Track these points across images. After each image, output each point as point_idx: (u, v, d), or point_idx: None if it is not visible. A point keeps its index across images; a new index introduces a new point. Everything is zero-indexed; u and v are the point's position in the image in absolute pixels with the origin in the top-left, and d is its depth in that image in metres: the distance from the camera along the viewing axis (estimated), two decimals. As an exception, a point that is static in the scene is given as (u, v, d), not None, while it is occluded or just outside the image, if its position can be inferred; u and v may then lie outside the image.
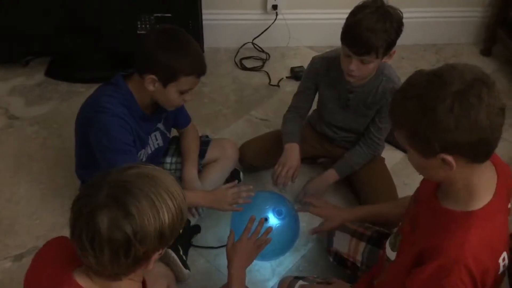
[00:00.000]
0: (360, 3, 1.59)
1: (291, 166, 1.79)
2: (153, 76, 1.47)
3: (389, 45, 1.58)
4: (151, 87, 1.50)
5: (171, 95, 1.53)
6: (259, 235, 1.44)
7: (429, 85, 0.97)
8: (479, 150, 0.98)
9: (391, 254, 1.27)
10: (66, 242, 1.01)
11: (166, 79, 1.48)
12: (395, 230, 1.36)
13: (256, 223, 1.45)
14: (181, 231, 0.97)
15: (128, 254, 0.88)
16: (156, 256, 0.95)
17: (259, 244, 1.43)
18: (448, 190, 1.08)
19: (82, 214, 0.88)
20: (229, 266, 1.37)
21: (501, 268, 1.08)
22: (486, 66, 2.84)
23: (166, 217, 0.90)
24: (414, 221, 1.19)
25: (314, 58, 1.86)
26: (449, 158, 0.98)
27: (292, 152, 1.83)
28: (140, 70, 1.51)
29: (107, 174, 0.91)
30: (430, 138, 0.97)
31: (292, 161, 1.80)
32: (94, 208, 0.87)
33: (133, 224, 0.86)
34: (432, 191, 1.14)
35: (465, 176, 1.03)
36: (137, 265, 0.92)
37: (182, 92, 1.53)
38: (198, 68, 1.52)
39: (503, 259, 1.07)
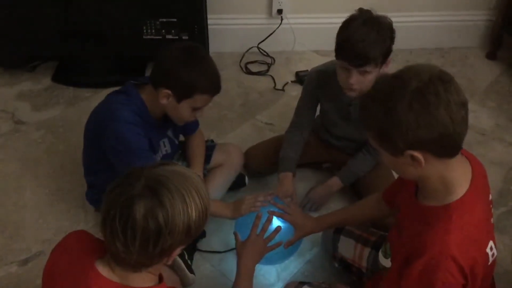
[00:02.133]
0: (347, 17, 1.58)
1: (286, 196, 1.77)
2: (168, 91, 1.49)
3: (386, 53, 1.58)
4: (164, 101, 1.52)
5: (183, 111, 1.55)
6: (268, 233, 1.47)
7: (390, 87, 1.01)
8: (444, 145, 1.01)
9: (385, 261, 1.29)
10: (86, 234, 1.12)
11: (181, 95, 1.50)
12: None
13: (263, 220, 1.48)
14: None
15: (156, 243, 0.93)
16: (178, 250, 1.00)
17: (268, 241, 1.46)
18: (425, 188, 1.11)
19: (117, 202, 0.93)
20: (238, 262, 1.41)
21: (490, 258, 1.10)
22: (492, 69, 2.84)
23: (193, 213, 0.95)
24: (399, 226, 1.22)
25: (311, 72, 1.86)
26: (417, 154, 1.01)
27: (286, 182, 1.83)
28: (155, 82, 1.53)
29: (144, 168, 0.97)
30: (394, 137, 1.01)
31: (286, 192, 1.79)
32: (131, 196, 0.92)
33: (165, 215, 0.92)
34: (412, 193, 1.17)
35: (438, 171, 1.05)
36: (161, 257, 0.98)
37: (194, 109, 1.55)
38: (214, 88, 1.54)
39: (491, 249, 1.09)
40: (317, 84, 1.82)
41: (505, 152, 2.28)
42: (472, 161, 1.13)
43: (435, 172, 1.05)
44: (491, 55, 2.92)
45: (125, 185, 0.95)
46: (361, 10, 1.58)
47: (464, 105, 1.00)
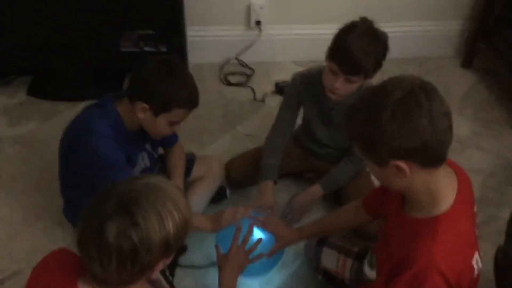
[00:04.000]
0: (349, 23, 1.60)
1: (267, 207, 1.76)
2: (145, 105, 1.47)
3: (378, 67, 1.61)
4: (141, 115, 1.50)
5: (160, 126, 1.53)
6: (249, 245, 1.47)
7: (373, 97, 1.03)
8: (428, 154, 1.01)
9: (370, 273, 1.29)
10: (67, 253, 1.08)
11: (159, 109, 1.48)
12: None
13: (244, 232, 1.47)
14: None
15: (135, 262, 0.91)
16: (160, 265, 0.98)
17: (250, 253, 1.46)
18: (411, 199, 1.12)
19: (90, 224, 0.91)
20: (220, 275, 1.40)
21: (476, 270, 1.10)
22: (467, 78, 2.88)
23: (171, 227, 0.93)
24: (385, 237, 1.22)
25: (295, 75, 1.87)
26: (401, 164, 1.01)
27: (266, 191, 1.81)
28: (132, 96, 1.50)
29: (116, 185, 0.95)
30: (378, 147, 1.01)
31: (267, 202, 1.78)
32: (103, 218, 0.90)
33: (139, 233, 0.90)
34: (398, 204, 1.17)
35: (424, 182, 1.06)
36: (142, 274, 0.96)
37: (172, 123, 1.53)
38: (192, 102, 1.53)
39: (477, 261, 1.10)
40: (301, 87, 1.83)
41: (482, 159, 2.32)
42: (458, 172, 1.14)
43: (421, 182, 1.06)
44: (466, 64, 2.96)
45: (96, 205, 0.93)
46: (364, 19, 1.58)
47: (446, 114, 1.01)
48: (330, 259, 1.59)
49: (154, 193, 0.94)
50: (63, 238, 1.85)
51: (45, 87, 2.60)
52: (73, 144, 1.54)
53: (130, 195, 0.93)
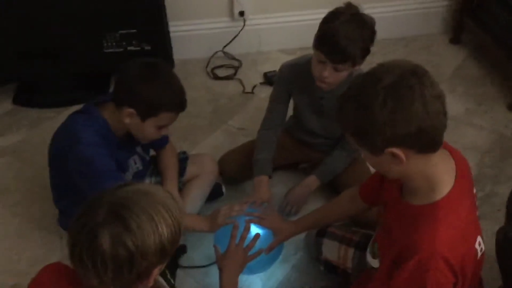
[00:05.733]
0: (334, 10, 1.56)
1: (263, 202, 1.74)
2: (132, 110, 1.44)
3: (365, 53, 1.57)
4: (127, 120, 1.46)
5: (148, 130, 1.50)
6: (247, 242, 1.45)
7: (363, 85, 1.00)
8: (423, 140, 0.99)
9: (373, 262, 1.28)
10: (61, 267, 1.06)
11: (146, 114, 1.45)
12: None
13: (241, 230, 1.46)
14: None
15: (131, 269, 0.90)
16: (156, 271, 0.96)
17: (249, 250, 1.44)
18: (410, 187, 1.10)
19: (82, 234, 0.89)
20: (220, 275, 1.38)
21: (479, 253, 1.10)
22: (456, 54, 2.87)
23: (165, 231, 0.92)
24: (386, 226, 1.21)
25: (282, 66, 1.84)
26: (397, 151, 0.99)
27: (261, 186, 1.79)
28: (118, 101, 1.47)
29: (105, 193, 0.94)
30: (372, 135, 0.99)
31: (262, 197, 1.76)
32: (95, 226, 0.88)
33: (133, 239, 0.88)
34: (397, 192, 1.16)
35: (421, 168, 1.04)
36: (139, 281, 0.94)
37: (159, 127, 1.51)
38: (180, 104, 1.50)
39: (479, 244, 1.09)
40: (289, 78, 1.80)
41: (477, 136, 2.31)
42: (455, 155, 1.12)
43: (418, 169, 1.04)
44: (455, 40, 2.95)
45: (87, 214, 0.91)
46: (348, 4, 1.55)
47: (440, 97, 0.99)
48: (331, 250, 1.58)
49: (144, 198, 0.93)
50: (61, 248, 1.83)
51: (31, 95, 2.56)
52: (61, 154, 1.51)
53: (121, 202, 0.91)
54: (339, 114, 1.06)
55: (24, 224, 1.93)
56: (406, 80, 0.96)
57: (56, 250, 1.83)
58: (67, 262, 1.04)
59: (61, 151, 1.51)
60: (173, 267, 1.71)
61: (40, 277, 1.07)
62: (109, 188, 0.95)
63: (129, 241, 0.88)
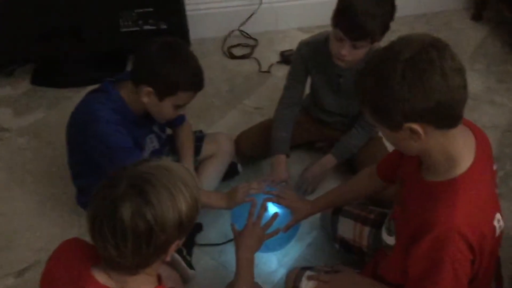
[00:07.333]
0: None
1: (280, 181, 1.74)
2: (150, 89, 1.44)
3: (385, 29, 1.54)
4: (145, 99, 1.47)
5: (165, 109, 1.50)
6: (265, 220, 1.45)
7: (381, 59, 0.98)
8: (442, 114, 0.97)
9: (388, 239, 1.27)
10: (78, 242, 1.09)
11: (164, 93, 1.45)
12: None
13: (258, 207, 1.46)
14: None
15: (149, 242, 0.91)
16: (173, 247, 0.97)
17: (266, 228, 1.44)
18: (429, 163, 1.08)
19: (102, 207, 0.90)
20: (237, 252, 1.38)
21: (497, 230, 1.08)
22: (478, 31, 2.80)
23: (183, 206, 0.93)
24: (403, 203, 1.19)
25: (300, 44, 1.81)
26: (415, 126, 0.98)
27: (279, 165, 1.79)
28: (136, 80, 1.47)
29: (126, 168, 0.95)
30: (390, 110, 0.97)
31: (280, 176, 1.75)
32: (115, 198, 0.90)
33: (153, 212, 0.89)
34: (415, 169, 1.14)
35: (440, 144, 1.02)
36: (157, 255, 0.95)
37: (177, 106, 1.51)
38: (198, 84, 1.50)
39: (498, 221, 1.07)
40: (307, 56, 1.78)
41: (497, 114, 2.26)
42: (475, 131, 1.10)
43: (437, 145, 1.02)
44: (476, 16, 2.87)
45: (107, 188, 0.92)
46: None
47: (460, 71, 0.96)
48: (346, 228, 1.57)
49: (164, 173, 0.94)
50: (79, 226, 1.86)
51: (48, 75, 2.58)
52: (79, 132, 1.53)
53: (142, 176, 0.92)
54: (357, 90, 1.04)
55: (43, 203, 1.97)
56: (426, 54, 0.94)
57: (74, 228, 1.86)
58: (84, 239, 1.07)
59: (80, 129, 1.52)
60: (189, 244, 1.73)
61: (58, 252, 1.09)
62: (130, 164, 0.97)
63: (148, 214, 0.89)
